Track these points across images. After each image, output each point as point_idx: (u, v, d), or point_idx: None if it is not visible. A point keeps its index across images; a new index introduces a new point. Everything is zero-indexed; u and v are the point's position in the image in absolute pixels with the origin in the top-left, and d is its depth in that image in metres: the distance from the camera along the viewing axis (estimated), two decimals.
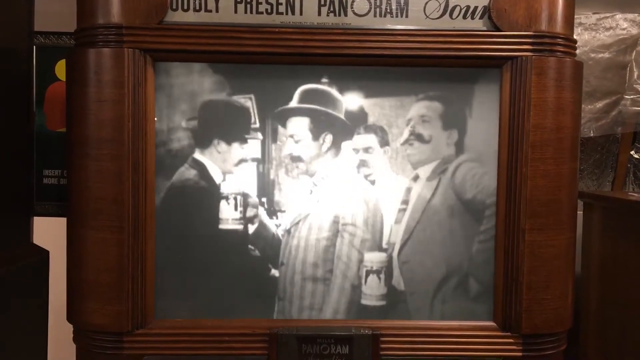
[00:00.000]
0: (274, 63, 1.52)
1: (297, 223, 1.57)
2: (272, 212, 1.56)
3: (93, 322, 1.50)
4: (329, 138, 1.56)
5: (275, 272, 1.57)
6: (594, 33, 2.34)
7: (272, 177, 1.56)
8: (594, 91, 2.35)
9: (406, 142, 1.56)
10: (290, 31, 1.48)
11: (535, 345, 1.53)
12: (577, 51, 1.56)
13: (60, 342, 1.86)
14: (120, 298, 1.48)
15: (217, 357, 1.52)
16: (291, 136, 1.55)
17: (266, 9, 1.49)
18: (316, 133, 1.56)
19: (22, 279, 1.65)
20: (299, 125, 1.55)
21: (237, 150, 1.55)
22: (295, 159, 1.56)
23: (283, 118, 1.55)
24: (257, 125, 1.55)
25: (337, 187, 1.57)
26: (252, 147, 1.55)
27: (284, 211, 1.56)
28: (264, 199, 1.56)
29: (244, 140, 1.55)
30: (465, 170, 1.56)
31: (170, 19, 1.48)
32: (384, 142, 1.56)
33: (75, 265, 1.52)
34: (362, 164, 1.56)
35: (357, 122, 1.56)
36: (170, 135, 1.54)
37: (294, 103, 1.55)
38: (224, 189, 1.55)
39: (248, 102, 1.54)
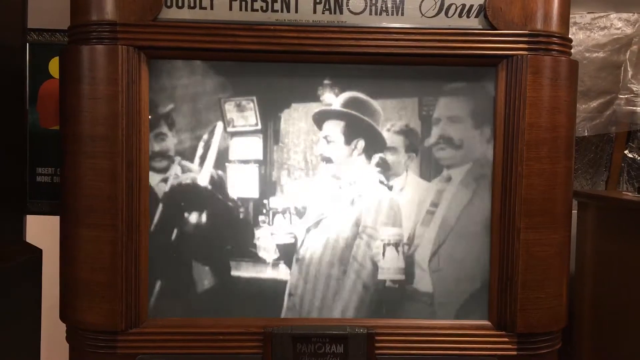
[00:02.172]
0: (269, 61, 1.51)
1: (317, 223, 1.57)
2: (289, 211, 1.57)
3: (86, 320, 1.49)
4: (360, 144, 1.55)
5: (287, 271, 1.57)
6: (589, 32, 2.35)
7: (280, 177, 1.56)
8: (588, 90, 2.36)
9: (435, 144, 1.56)
10: (286, 29, 1.47)
11: (530, 344, 1.53)
12: (572, 50, 1.56)
13: (53, 341, 1.85)
14: (113, 297, 1.47)
15: (211, 356, 1.51)
16: (325, 137, 1.55)
17: (261, 7, 1.48)
18: (349, 137, 1.56)
19: (15, 278, 1.64)
20: (334, 128, 1.55)
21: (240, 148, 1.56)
22: (326, 159, 1.56)
23: (320, 119, 1.55)
24: (259, 127, 1.55)
25: (361, 191, 1.57)
26: (255, 146, 1.56)
27: (303, 211, 1.57)
28: (276, 199, 1.56)
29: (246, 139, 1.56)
30: None
31: (164, 16, 1.47)
32: (412, 145, 1.56)
33: (69, 263, 1.51)
34: (386, 167, 1.56)
35: (384, 126, 1.56)
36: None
37: (336, 105, 1.55)
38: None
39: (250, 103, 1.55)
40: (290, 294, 1.57)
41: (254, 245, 1.56)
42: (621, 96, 2.35)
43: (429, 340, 1.53)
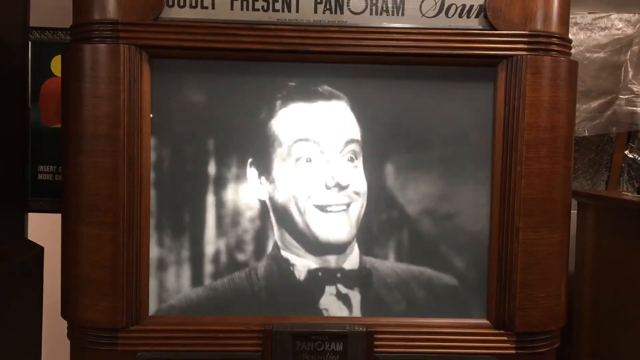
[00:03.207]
0: (270, 60, 1.52)
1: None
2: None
3: (87, 318, 1.50)
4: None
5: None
6: (590, 33, 2.35)
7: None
8: (588, 91, 2.36)
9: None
10: (286, 28, 1.48)
11: (528, 343, 1.54)
12: (573, 51, 1.56)
13: (54, 338, 1.85)
14: (114, 294, 1.48)
15: (211, 353, 1.52)
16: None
17: (262, 6, 1.49)
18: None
19: (17, 275, 1.64)
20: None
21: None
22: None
23: None
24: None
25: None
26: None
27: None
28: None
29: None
30: None
31: (166, 15, 1.48)
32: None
33: (70, 261, 1.52)
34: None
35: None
36: None
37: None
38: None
39: None
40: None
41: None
42: (622, 96, 2.35)
43: (428, 338, 1.54)
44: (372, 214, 1.57)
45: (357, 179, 1.56)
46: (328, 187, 1.55)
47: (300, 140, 1.55)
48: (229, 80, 1.54)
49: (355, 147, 1.56)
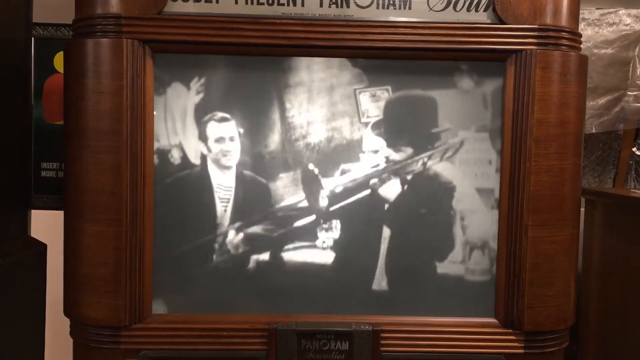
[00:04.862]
0: (275, 55, 1.50)
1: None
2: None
3: (90, 316, 1.49)
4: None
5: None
6: (597, 29, 2.32)
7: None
8: (596, 87, 2.33)
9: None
10: (292, 22, 1.46)
11: (537, 342, 1.52)
12: (581, 46, 1.54)
13: (57, 336, 1.85)
14: (117, 292, 1.46)
15: (215, 352, 1.51)
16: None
17: (267, 0, 1.47)
18: None
19: (19, 272, 1.63)
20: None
21: None
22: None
23: None
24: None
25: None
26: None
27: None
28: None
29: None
30: None
31: (169, 10, 1.46)
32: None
33: (72, 258, 1.50)
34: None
35: None
36: None
37: None
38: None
39: None
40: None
41: None
42: (630, 93, 2.33)
43: (435, 337, 1.52)
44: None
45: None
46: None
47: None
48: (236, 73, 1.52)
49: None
